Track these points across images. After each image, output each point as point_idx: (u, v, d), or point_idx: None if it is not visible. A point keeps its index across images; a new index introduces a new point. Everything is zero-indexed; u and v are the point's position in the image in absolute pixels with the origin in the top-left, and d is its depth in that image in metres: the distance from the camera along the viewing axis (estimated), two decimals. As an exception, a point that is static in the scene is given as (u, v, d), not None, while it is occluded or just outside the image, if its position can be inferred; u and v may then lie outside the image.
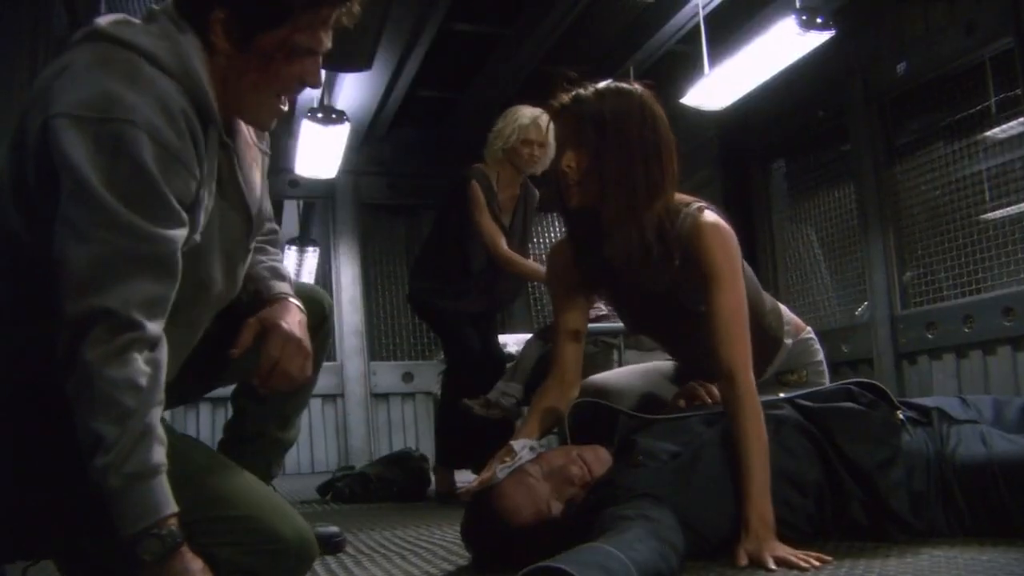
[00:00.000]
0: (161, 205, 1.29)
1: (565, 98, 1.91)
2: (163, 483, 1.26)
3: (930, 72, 4.87)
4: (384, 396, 6.86)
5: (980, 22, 4.55)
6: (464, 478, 4.19)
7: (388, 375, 6.87)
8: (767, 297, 2.18)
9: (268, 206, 1.67)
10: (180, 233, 1.32)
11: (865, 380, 1.92)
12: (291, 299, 1.64)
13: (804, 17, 4.25)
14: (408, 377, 6.88)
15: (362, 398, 6.74)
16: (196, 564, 1.30)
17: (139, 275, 1.27)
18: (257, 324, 1.56)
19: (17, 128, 1.34)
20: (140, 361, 1.25)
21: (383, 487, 4.09)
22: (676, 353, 2.27)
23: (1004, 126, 4.58)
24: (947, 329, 4.78)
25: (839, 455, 1.75)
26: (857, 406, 1.82)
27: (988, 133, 4.66)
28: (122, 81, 1.28)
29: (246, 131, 1.55)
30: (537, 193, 3.93)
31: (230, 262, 1.53)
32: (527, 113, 3.66)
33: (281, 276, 1.69)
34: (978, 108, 4.68)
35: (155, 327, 1.28)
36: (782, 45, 4.44)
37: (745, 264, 1.99)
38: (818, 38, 4.36)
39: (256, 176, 1.58)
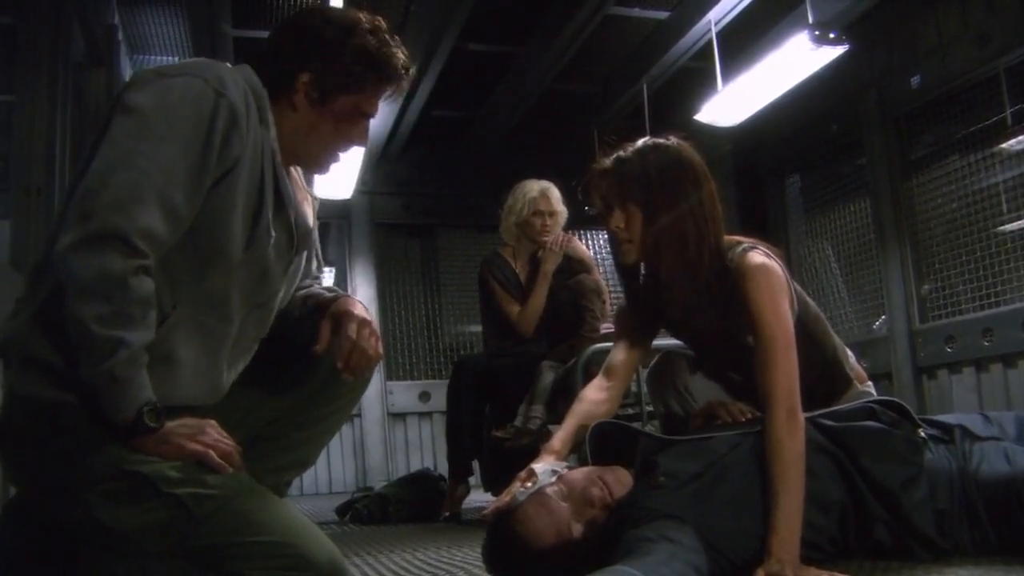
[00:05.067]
0: (203, 149, 1.45)
1: (607, 161, 1.99)
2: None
3: (944, 84, 4.87)
4: (401, 415, 6.87)
5: (993, 33, 4.54)
6: (480, 497, 4.19)
7: (405, 394, 6.88)
8: (836, 336, 2.19)
9: (318, 248, 1.85)
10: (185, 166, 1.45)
11: (887, 398, 1.91)
12: (351, 297, 1.80)
13: (817, 32, 4.26)
14: (425, 396, 6.88)
15: (379, 417, 6.75)
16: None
17: (153, 208, 1.40)
18: (330, 319, 1.72)
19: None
20: (151, 282, 1.41)
21: (401, 508, 4.08)
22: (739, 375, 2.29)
23: (1020, 137, 4.56)
24: (966, 342, 4.75)
25: (862, 474, 1.74)
26: (879, 425, 1.81)
27: (1004, 145, 4.65)
28: (203, 60, 1.55)
29: (296, 176, 1.76)
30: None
31: (268, 265, 1.63)
32: (534, 186, 3.92)
33: (335, 290, 1.84)
34: (993, 120, 4.66)
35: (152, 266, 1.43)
36: (795, 60, 4.45)
37: (811, 302, 2.08)
38: (831, 53, 4.37)
39: (307, 209, 1.76)
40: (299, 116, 1.64)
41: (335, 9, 1.70)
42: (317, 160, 1.73)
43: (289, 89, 1.62)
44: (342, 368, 1.70)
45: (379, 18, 1.70)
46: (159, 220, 1.40)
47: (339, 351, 1.69)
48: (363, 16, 1.67)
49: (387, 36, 1.68)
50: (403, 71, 1.69)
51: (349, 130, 1.70)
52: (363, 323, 1.71)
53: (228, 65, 1.58)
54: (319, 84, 1.62)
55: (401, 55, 1.68)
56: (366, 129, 1.74)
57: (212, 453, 1.47)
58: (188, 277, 1.51)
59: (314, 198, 1.84)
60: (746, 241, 1.97)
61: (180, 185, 1.43)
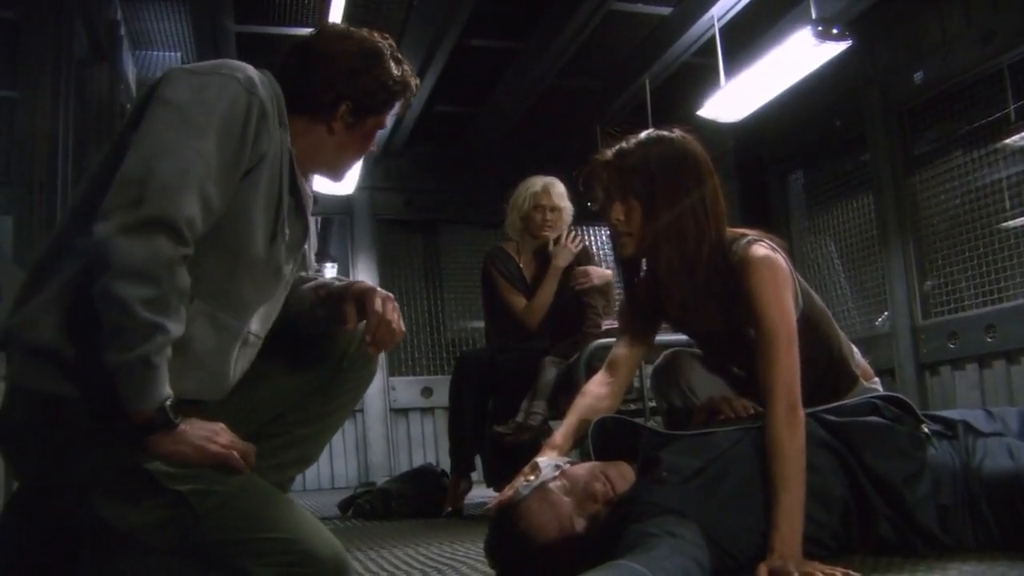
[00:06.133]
0: (237, 146, 1.49)
1: (609, 153, 1.98)
2: None
3: (947, 81, 4.86)
4: (403, 411, 6.87)
5: (997, 30, 4.53)
6: (482, 493, 4.19)
7: (407, 390, 6.88)
8: (842, 333, 2.18)
9: (315, 242, 1.88)
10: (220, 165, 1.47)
11: (889, 393, 1.91)
12: (365, 281, 1.85)
13: (820, 28, 4.25)
14: (427, 392, 6.88)
15: (381, 413, 6.75)
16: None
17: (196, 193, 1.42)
18: (353, 299, 1.76)
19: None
20: (187, 275, 1.43)
21: (404, 503, 4.09)
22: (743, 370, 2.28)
23: (1023, 134, 4.55)
24: (969, 339, 4.74)
25: (865, 470, 1.74)
26: (882, 420, 1.81)
27: (1007, 141, 4.64)
28: (231, 61, 1.58)
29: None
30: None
31: (281, 263, 1.65)
32: (538, 181, 3.93)
33: (341, 279, 1.88)
34: (996, 116, 4.65)
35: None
36: (798, 56, 4.45)
37: (816, 297, 2.07)
38: (834, 48, 4.36)
39: (308, 208, 1.78)
40: (335, 139, 1.75)
41: (357, 35, 1.77)
42: (342, 172, 1.86)
43: (330, 116, 1.72)
44: (369, 343, 1.74)
45: (388, 36, 1.80)
46: (199, 211, 1.42)
47: (367, 326, 1.74)
48: (378, 38, 1.78)
49: (399, 55, 1.79)
50: (416, 87, 1.84)
51: (368, 143, 1.83)
52: (387, 299, 1.76)
53: (253, 67, 1.61)
54: (354, 111, 1.74)
55: (412, 72, 1.83)
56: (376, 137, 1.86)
57: (235, 454, 1.48)
58: (209, 271, 1.52)
59: (311, 197, 1.86)
60: (751, 233, 1.95)
61: (215, 179, 1.45)
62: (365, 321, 1.75)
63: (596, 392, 2.08)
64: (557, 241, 3.92)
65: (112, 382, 1.37)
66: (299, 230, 1.68)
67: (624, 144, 1.97)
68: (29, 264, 1.58)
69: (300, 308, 1.81)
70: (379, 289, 1.78)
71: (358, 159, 1.85)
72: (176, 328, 1.40)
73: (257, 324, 1.66)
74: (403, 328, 1.79)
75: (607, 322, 3.61)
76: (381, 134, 1.90)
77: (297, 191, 1.65)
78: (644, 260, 2.06)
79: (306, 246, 1.79)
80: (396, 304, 1.79)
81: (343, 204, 6.80)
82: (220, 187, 1.46)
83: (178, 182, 1.39)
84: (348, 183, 5.74)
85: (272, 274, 1.64)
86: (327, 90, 1.70)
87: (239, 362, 1.64)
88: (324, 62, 1.71)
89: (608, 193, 1.98)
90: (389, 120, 1.84)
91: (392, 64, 1.75)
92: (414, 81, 1.82)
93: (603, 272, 3.82)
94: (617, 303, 3.67)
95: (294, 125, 1.66)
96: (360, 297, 1.76)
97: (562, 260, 3.84)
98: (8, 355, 1.48)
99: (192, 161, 1.42)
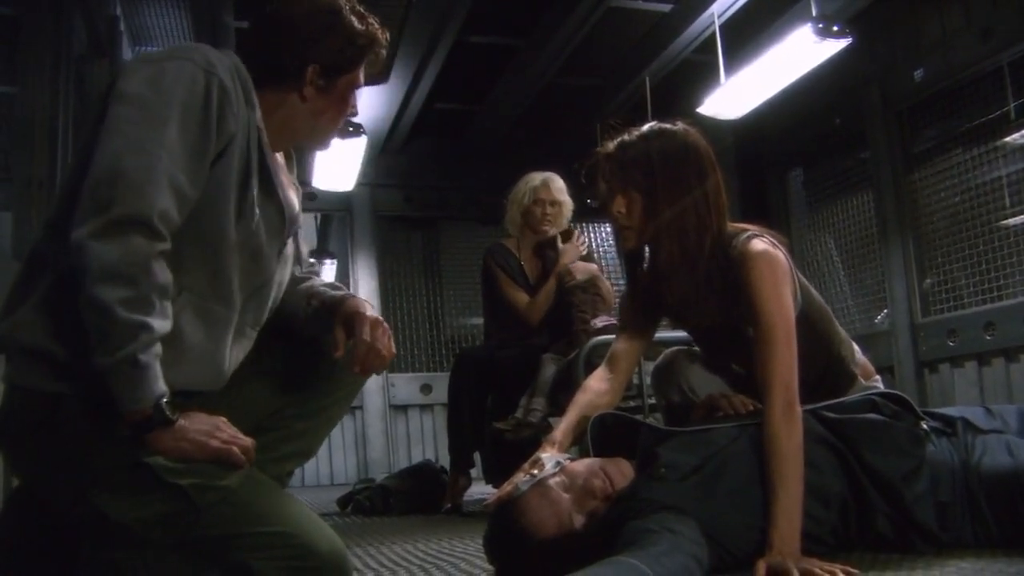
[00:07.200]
0: (201, 130, 1.47)
1: (610, 145, 1.97)
2: None
3: (947, 78, 4.86)
4: (403, 408, 6.87)
5: (997, 27, 4.53)
6: (481, 489, 4.19)
7: (406, 387, 6.88)
8: (842, 330, 2.17)
9: (305, 246, 1.85)
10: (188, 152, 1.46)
11: (888, 391, 1.91)
12: (356, 297, 1.81)
13: (820, 25, 4.24)
14: (426, 389, 6.89)
15: (381, 410, 6.76)
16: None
17: (167, 186, 1.41)
18: (342, 323, 1.74)
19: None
20: (168, 271, 1.42)
21: (403, 499, 4.09)
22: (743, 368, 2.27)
23: (1023, 131, 4.55)
24: (968, 336, 4.74)
25: (863, 467, 1.74)
26: (881, 417, 1.81)
27: (1007, 139, 4.64)
28: (188, 44, 1.54)
29: (282, 162, 1.78)
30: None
31: (260, 246, 1.62)
32: (537, 176, 3.95)
33: (338, 287, 1.85)
34: (996, 114, 4.65)
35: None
36: (798, 53, 4.44)
37: (816, 295, 2.06)
38: (834, 46, 4.36)
39: (292, 193, 1.75)
40: (308, 105, 1.70)
41: None
42: (325, 138, 1.82)
43: (299, 83, 1.67)
44: (359, 371, 1.72)
45: None
46: (171, 202, 1.41)
47: (355, 354, 1.70)
48: None
49: (361, 10, 1.74)
50: (385, 41, 1.78)
51: (347, 105, 1.77)
52: (375, 324, 1.73)
53: (212, 48, 1.58)
54: (323, 73, 1.68)
55: (379, 25, 1.76)
56: (356, 99, 1.81)
57: (235, 449, 1.48)
58: (192, 262, 1.50)
59: (298, 187, 1.84)
60: (751, 228, 1.95)
61: (184, 166, 1.43)
62: (353, 341, 1.72)
63: (596, 388, 2.08)
64: (567, 237, 3.91)
65: (106, 383, 1.38)
66: (272, 211, 1.63)
67: (626, 136, 1.97)
68: (23, 259, 1.57)
69: (293, 311, 1.80)
70: (369, 313, 1.74)
71: (339, 123, 1.80)
72: (161, 324, 1.39)
73: (249, 312, 1.64)
74: (393, 351, 1.76)
75: (601, 320, 3.59)
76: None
77: (266, 170, 1.61)
78: (648, 252, 2.05)
79: (296, 228, 1.76)
80: (387, 327, 1.75)
81: (343, 200, 6.80)
82: (189, 174, 1.44)
83: (146, 177, 1.38)
84: (347, 179, 5.75)
85: (251, 258, 1.60)
86: (290, 57, 1.66)
87: (234, 351, 1.62)
88: (282, 29, 1.67)
89: (609, 185, 1.97)
90: (383, 99, 1.80)
91: (353, 19, 1.70)
92: (383, 34, 1.76)
93: (586, 267, 3.81)
94: (609, 297, 3.68)
95: (265, 100, 1.63)
96: (349, 320, 1.73)
97: (568, 258, 3.84)
98: (6, 354, 1.48)
99: (156, 154, 1.40)
